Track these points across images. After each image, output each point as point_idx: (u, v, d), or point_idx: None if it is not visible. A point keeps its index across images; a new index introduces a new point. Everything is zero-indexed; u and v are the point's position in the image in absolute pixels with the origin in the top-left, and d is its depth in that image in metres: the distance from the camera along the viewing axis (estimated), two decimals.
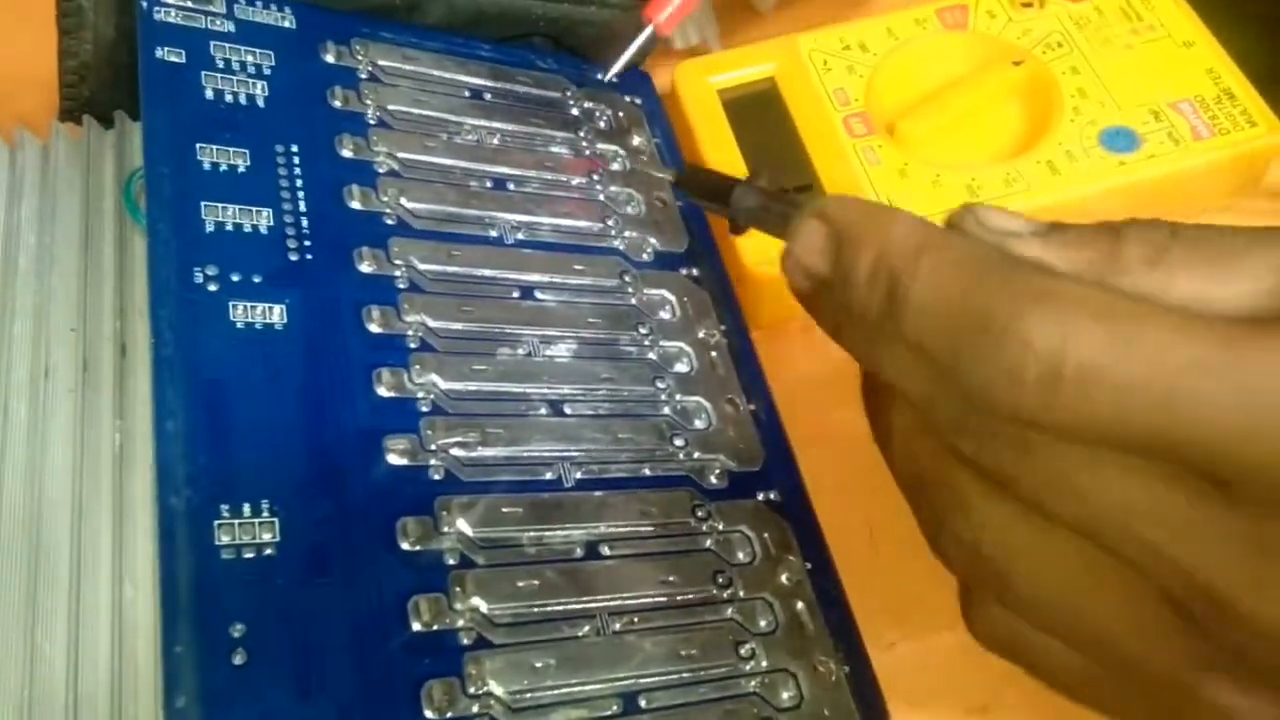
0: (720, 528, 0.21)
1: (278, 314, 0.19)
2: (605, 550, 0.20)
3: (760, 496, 0.22)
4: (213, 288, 0.19)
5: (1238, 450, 0.14)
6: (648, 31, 0.26)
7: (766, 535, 0.21)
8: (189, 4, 0.22)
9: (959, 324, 0.16)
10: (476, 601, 0.18)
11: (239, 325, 0.19)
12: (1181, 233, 0.17)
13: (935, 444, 0.17)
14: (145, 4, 0.22)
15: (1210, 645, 0.16)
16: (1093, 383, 0.15)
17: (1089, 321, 0.15)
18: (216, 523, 0.17)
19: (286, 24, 0.24)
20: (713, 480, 0.22)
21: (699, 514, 0.21)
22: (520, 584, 0.19)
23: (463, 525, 0.19)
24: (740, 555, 0.21)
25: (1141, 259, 0.17)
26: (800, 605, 0.21)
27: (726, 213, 0.20)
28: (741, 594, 0.20)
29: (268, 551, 0.17)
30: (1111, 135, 0.28)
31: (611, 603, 0.19)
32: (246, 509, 0.17)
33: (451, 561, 0.18)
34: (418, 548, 0.18)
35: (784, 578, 0.21)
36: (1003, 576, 0.17)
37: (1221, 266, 0.17)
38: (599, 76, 0.27)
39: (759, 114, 0.30)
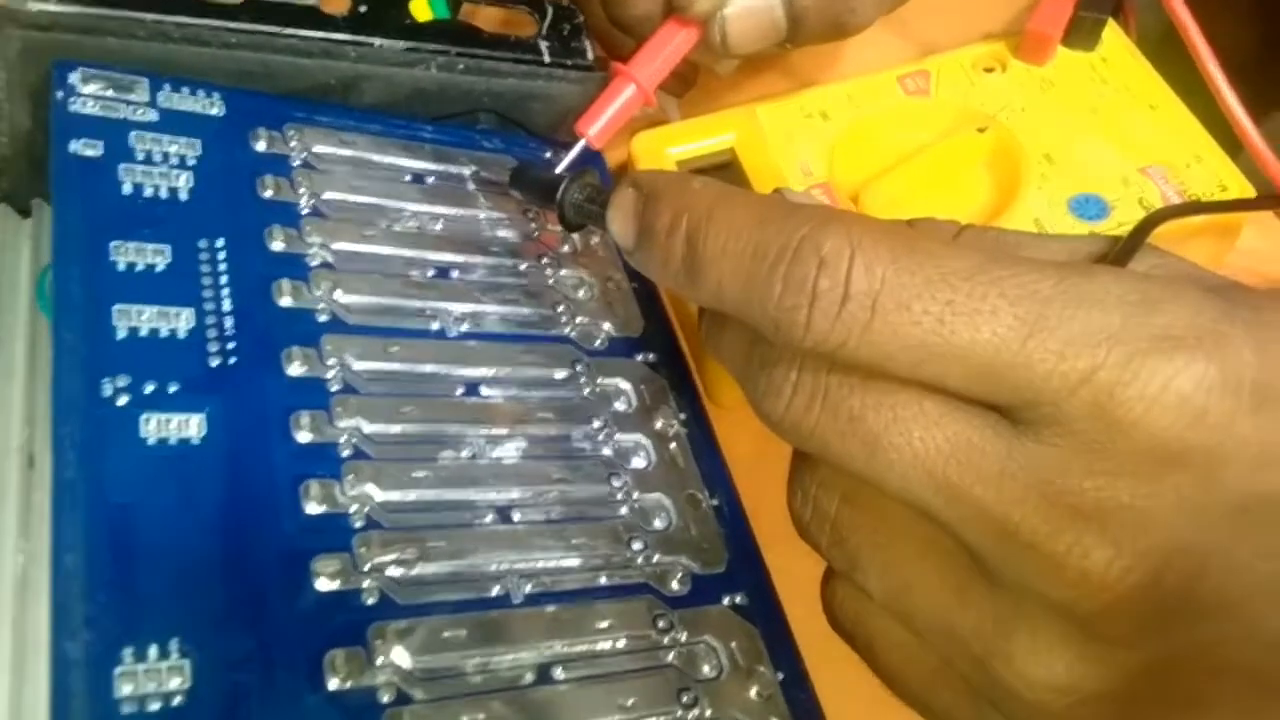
0: (684, 639, 0.20)
1: (195, 426, 0.18)
2: (559, 674, 0.18)
3: (726, 601, 0.21)
4: (122, 400, 0.18)
5: (1008, 365, 0.14)
6: (579, 145, 0.26)
7: (734, 645, 0.20)
8: (109, 93, 0.21)
9: (753, 257, 0.16)
10: None
11: (151, 441, 0.17)
12: (968, 228, 0.19)
13: None
14: (60, 94, 0.21)
15: (1012, 597, 0.16)
16: (879, 296, 0.15)
17: (874, 237, 0.15)
18: (118, 670, 0.15)
19: (214, 111, 0.22)
20: (674, 586, 0.20)
21: (660, 625, 0.20)
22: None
23: (399, 656, 0.17)
24: (706, 669, 0.19)
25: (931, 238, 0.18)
26: None
27: (555, 209, 0.22)
28: (709, 713, 0.19)
29: (176, 700, 0.15)
30: (1081, 202, 0.27)
31: None
32: (153, 651, 0.15)
33: (386, 699, 0.17)
34: (348, 685, 0.16)
35: (754, 691, 0.19)
36: (844, 545, 0.18)
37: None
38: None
39: None
